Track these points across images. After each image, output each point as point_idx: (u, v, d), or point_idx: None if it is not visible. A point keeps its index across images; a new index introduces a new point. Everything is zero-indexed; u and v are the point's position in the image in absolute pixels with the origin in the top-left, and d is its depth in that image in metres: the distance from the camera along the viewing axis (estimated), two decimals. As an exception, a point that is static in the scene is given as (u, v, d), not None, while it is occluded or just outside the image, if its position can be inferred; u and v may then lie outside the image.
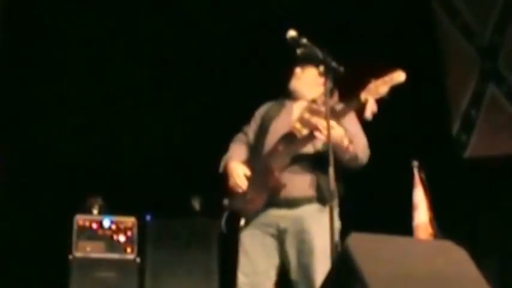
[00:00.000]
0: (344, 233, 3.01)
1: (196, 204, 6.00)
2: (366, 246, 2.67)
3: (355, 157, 3.77)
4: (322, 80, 3.77)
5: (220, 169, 3.99)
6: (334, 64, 3.51)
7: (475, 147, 6.15)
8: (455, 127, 6.26)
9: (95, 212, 5.81)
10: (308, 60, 3.86)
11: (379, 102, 3.64)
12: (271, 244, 3.81)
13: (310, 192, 3.74)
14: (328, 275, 2.80)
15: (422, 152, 5.30)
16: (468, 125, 6.21)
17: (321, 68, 3.56)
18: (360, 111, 3.68)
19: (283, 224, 3.77)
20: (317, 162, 3.74)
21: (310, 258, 3.68)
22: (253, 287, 3.76)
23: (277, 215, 3.78)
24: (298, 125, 3.80)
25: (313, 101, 3.91)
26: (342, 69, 3.53)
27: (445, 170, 5.87)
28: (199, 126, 6.23)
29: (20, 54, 6.11)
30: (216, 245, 5.79)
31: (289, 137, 3.83)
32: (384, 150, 5.55)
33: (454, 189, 5.93)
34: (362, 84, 3.68)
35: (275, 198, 3.77)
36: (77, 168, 6.13)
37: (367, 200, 5.67)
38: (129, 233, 5.70)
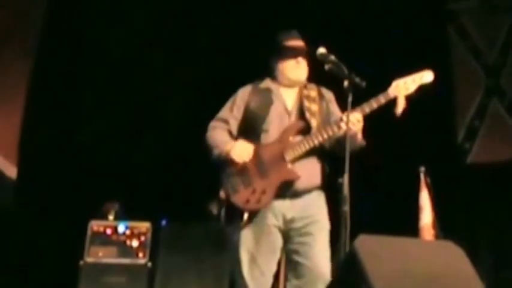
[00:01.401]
0: (354, 234, 3.08)
1: (213, 208, 6.06)
2: (372, 247, 2.84)
3: (361, 145, 3.90)
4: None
5: (215, 156, 3.90)
6: (357, 80, 3.65)
7: (477, 154, 6.44)
8: (460, 136, 6.55)
9: (111, 217, 5.83)
10: (299, 52, 3.99)
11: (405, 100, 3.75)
12: (276, 239, 3.83)
13: (316, 181, 3.86)
14: (336, 275, 3.06)
15: (429, 158, 5.46)
16: (472, 134, 6.52)
17: (346, 82, 3.64)
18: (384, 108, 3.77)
19: (290, 214, 3.82)
20: (321, 153, 3.88)
21: (313, 238, 3.80)
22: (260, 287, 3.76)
23: (283, 206, 3.82)
24: (307, 115, 3.89)
25: (305, 86, 4.04)
26: (364, 84, 3.64)
27: (449, 174, 6.03)
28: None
29: (48, 61, 6.21)
30: (229, 250, 5.41)
31: (298, 128, 3.89)
32: (394, 157, 5.81)
33: (457, 192, 6.08)
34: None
35: (283, 190, 3.81)
36: (96, 175, 6.25)
37: (377, 202, 5.80)
38: (142, 238, 5.71)
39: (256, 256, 3.80)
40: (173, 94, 6.63)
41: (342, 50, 3.82)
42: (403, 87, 3.80)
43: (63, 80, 6.33)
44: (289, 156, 3.82)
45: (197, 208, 5.93)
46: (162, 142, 6.54)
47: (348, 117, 3.66)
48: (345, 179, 3.48)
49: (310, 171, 3.84)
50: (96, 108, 6.48)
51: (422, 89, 3.83)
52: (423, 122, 6.01)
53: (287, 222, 3.83)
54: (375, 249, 2.83)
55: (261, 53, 4.15)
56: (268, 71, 4.13)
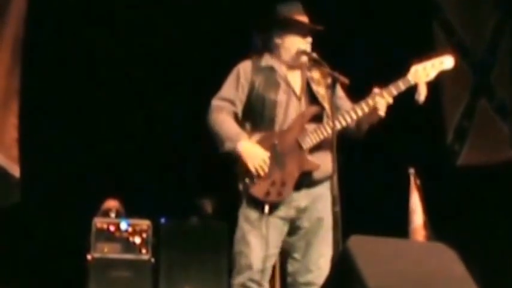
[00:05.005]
0: (345, 235, 2.91)
1: (208, 207, 6.07)
2: (365, 247, 2.71)
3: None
4: None
5: (227, 148, 3.49)
6: (341, 77, 3.38)
7: (467, 156, 6.18)
8: (449, 137, 6.29)
9: (112, 215, 5.87)
10: (307, 29, 3.59)
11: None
12: (283, 231, 3.51)
13: (329, 171, 3.32)
14: (330, 274, 2.86)
15: (419, 160, 5.32)
16: (461, 136, 6.25)
17: (329, 80, 3.43)
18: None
19: (303, 203, 3.52)
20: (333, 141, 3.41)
21: (316, 234, 3.50)
22: (263, 272, 3.45)
23: (299, 196, 3.50)
24: (320, 99, 3.54)
25: (307, 67, 3.61)
26: (347, 81, 3.39)
27: (439, 176, 5.91)
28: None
29: (39, 64, 6.05)
30: (226, 246, 5.62)
31: (313, 114, 3.55)
32: (384, 159, 5.68)
33: (447, 194, 5.93)
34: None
35: (301, 180, 3.49)
36: (97, 175, 6.23)
37: (368, 204, 5.70)
38: (144, 235, 5.73)
39: (268, 239, 3.44)
40: (171, 91, 6.52)
41: (322, 44, 3.58)
42: (423, 74, 3.49)
43: (57, 77, 6.25)
44: (306, 144, 3.47)
45: (192, 206, 5.97)
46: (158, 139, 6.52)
47: (354, 109, 3.44)
48: (334, 179, 3.22)
49: (325, 161, 3.39)
50: (93, 106, 6.42)
51: (443, 74, 3.55)
52: (411, 123, 5.79)
53: (300, 211, 3.52)
54: (367, 250, 2.70)
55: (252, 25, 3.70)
56: (267, 47, 3.64)
